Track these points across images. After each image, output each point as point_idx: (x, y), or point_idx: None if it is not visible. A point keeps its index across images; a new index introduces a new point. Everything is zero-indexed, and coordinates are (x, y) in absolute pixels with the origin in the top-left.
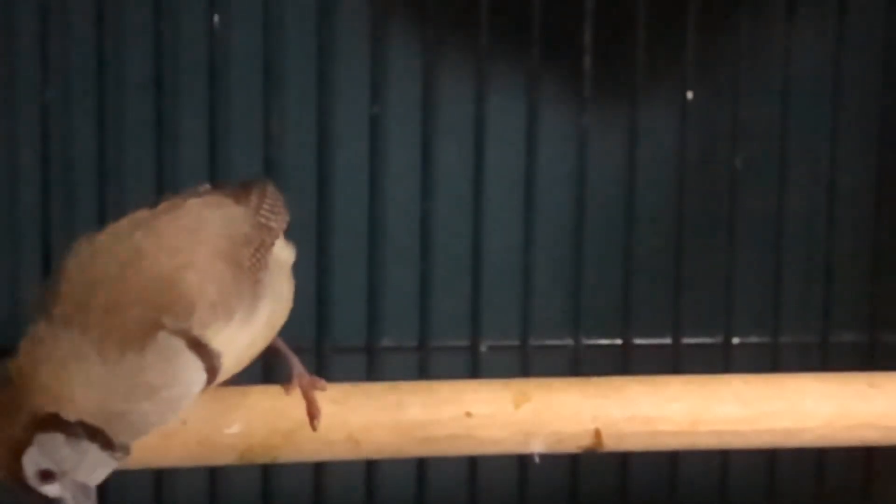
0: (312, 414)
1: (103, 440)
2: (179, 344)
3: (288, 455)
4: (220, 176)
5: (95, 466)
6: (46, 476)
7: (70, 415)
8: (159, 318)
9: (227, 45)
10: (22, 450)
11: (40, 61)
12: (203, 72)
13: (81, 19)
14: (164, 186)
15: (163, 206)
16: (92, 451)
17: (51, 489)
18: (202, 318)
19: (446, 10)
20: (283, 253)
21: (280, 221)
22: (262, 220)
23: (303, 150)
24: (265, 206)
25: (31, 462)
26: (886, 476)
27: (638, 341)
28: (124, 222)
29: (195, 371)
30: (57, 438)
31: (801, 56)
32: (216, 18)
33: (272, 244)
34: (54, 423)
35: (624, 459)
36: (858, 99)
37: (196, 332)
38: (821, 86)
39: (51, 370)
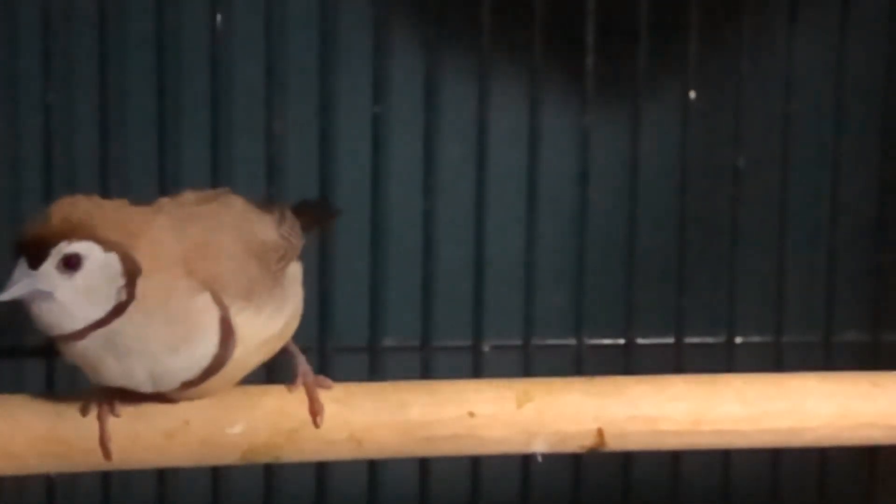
0: (315, 411)
1: (130, 280)
2: (214, 313)
3: (290, 455)
4: (222, 176)
5: (88, 291)
6: (70, 261)
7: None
8: (213, 284)
9: (229, 44)
10: (75, 233)
11: (42, 62)
12: (205, 71)
13: (83, 20)
14: (167, 186)
15: (197, 196)
16: (114, 279)
17: (23, 288)
18: (239, 303)
19: (448, 9)
20: (296, 269)
21: (297, 241)
22: (285, 234)
23: (305, 149)
24: (286, 224)
25: (74, 247)
26: (889, 476)
27: (640, 341)
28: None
29: (209, 345)
30: (110, 258)
31: (804, 55)
32: (219, 18)
33: (292, 258)
34: (115, 247)
35: (626, 459)
36: (861, 98)
37: (232, 313)
38: (824, 85)
39: (145, 223)
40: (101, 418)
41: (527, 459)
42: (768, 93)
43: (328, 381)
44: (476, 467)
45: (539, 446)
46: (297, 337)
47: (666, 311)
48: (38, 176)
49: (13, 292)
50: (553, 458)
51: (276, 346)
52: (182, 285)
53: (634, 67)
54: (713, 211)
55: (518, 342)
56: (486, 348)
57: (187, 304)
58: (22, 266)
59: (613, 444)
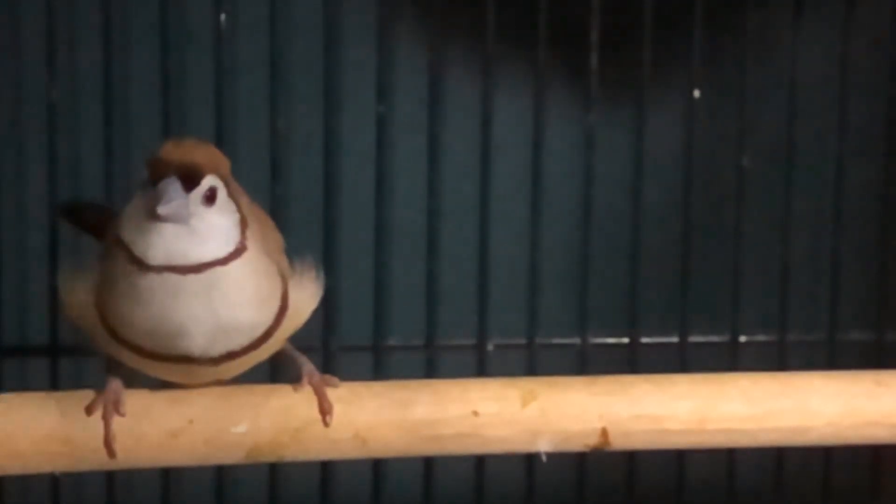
0: (325, 410)
1: (243, 230)
2: (279, 284)
3: (295, 454)
4: None
5: (220, 227)
6: (210, 195)
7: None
8: (274, 255)
9: (233, 43)
10: (216, 170)
11: (46, 61)
12: (209, 71)
13: (87, 19)
14: None
15: None
16: (234, 226)
17: (179, 208)
18: (292, 278)
19: (453, 9)
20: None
21: None
22: None
23: (309, 148)
24: None
25: (215, 181)
26: (893, 474)
27: (645, 340)
28: None
29: (269, 315)
30: (232, 205)
31: (808, 54)
32: (223, 17)
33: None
34: (234, 196)
35: (631, 458)
36: (865, 97)
37: (290, 286)
38: (828, 84)
39: None
40: (105, 417)
41: (531, 458)
42: (772, 92)
43: (335, 380)
44: (480, 466)
45: (543, 445)
46: (302, 336)
47: (670, 310)
48: (41, 174)
49: (171, 209)
50: (557, 458)
51: (284, 338)
52: (262, 250)
53: (639, 66)
54: (717, 210)
55: (522, 341)
56: (490, 347)
57: (267, 269)
58: (176, 186)
59: (618, 443)
